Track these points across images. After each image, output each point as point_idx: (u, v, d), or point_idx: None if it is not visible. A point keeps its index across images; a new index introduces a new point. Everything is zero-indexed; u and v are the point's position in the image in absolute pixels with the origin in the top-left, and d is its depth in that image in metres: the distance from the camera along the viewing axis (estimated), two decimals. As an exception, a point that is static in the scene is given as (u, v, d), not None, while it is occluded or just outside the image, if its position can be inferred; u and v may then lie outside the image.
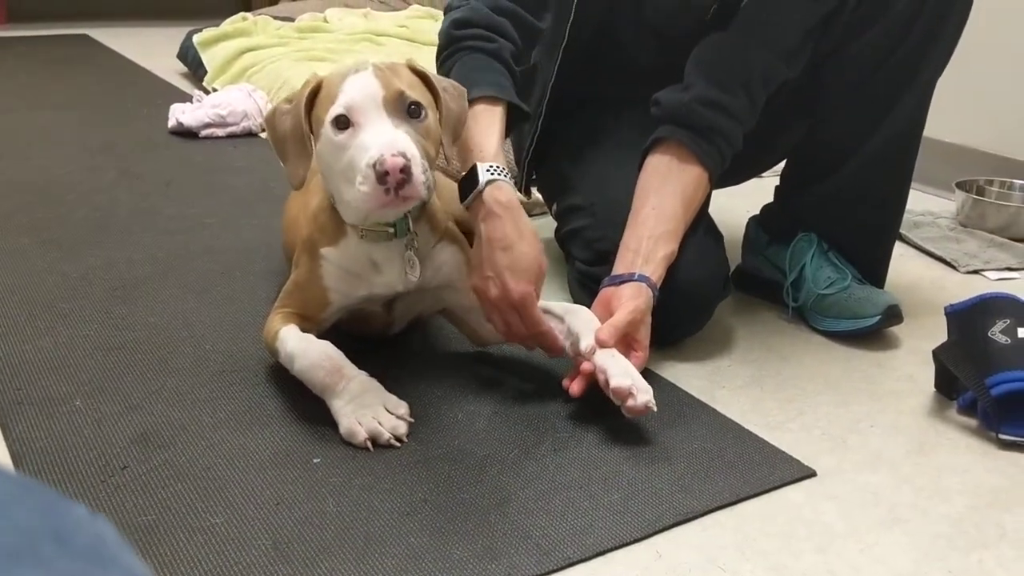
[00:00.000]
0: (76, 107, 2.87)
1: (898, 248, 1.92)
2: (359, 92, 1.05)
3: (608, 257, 1.38)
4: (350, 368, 1.12)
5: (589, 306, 1.43)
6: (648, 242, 1.31)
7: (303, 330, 1.17)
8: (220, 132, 2.55)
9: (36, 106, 2.89)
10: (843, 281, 1.49)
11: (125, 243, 1.72)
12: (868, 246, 1.57)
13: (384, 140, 1.02)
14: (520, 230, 1.20)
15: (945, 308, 1.42)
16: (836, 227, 1.54)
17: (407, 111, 1.07)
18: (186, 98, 2.80)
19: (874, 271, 1.56)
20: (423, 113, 1.08)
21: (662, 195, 1.34)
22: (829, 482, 1.08)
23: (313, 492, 1.01)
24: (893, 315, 1.44)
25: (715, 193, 1.47)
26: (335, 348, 1.14)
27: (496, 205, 1.20)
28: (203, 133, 2.54)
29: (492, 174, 1.21)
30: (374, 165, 1.00)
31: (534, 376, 1.29)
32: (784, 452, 1.13)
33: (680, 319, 1.39)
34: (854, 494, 1.06)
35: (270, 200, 2.05)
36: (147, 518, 0.95)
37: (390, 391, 1.14)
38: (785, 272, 1.56)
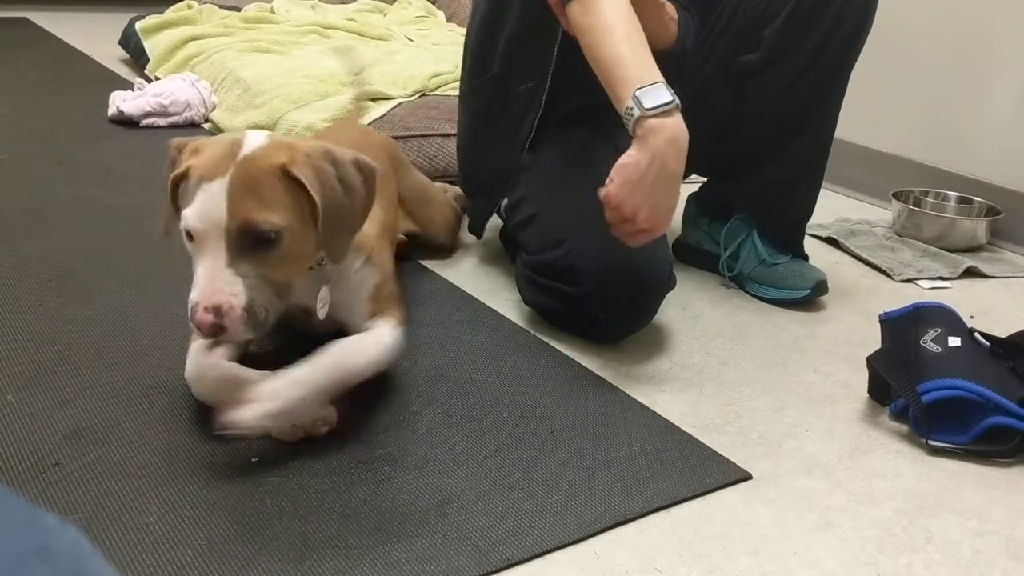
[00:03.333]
0: (12, 92, 2.79)
1: (835, 255, 1.98)
2: (202, 215, 0.97)
3: (559, 245, 1.40)
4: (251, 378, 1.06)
5: (541, 306, 1.47)
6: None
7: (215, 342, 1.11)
8: (162, 122, 2.50)
9: (-30, 89, 2.80)
10: (779, 258, 1.68)
11: (61, 233, 1.68)
12: (790, 227, 1.72)
13: (202, 285, 0.96)
14: (680, 172, 1.24)
15: (880, 316, 1.46)
16: (763, 212, 1.70)
17: (253, 243, 0.98)
18: (127, 86, 2.74)
19: (796, 246, 1.72)
20: (275, 240, 0.99)
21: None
22: (764, 485, 1.10)
23: (251, 492, 1.00)
24: (822, 289, 1.65)
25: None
26: (231, 365, 1.09)
27: (674, 140, 1.22)
28: (144, 122, 2.49)
29: (670, 101, 1.22)
30: (191, 306, 0.97)
31: (476, 378, 1.29)
32: (722, 455, 1.15)
33: (625, 317, 1.40)
34: (788, 498, 1.08)
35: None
36: (79, 516, 0.93)
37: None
38: (721, 245, 1.73)
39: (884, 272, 1.90)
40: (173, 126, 2.51)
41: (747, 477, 1.11)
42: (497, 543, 0.95)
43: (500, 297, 1.58)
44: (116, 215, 1.79)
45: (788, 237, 1.70)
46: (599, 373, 1.33)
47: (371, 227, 1.20)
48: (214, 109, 2.57)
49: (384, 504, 1.00)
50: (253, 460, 1.05)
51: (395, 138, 2.24)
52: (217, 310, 0.96)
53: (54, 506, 0.94)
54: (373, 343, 1.13)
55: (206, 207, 0.97)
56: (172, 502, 0.97)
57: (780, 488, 1.10)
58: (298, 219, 1.01)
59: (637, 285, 1.37)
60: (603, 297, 1.36)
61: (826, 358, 1.47)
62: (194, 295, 0.97)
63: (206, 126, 2.55)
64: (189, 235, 1.00)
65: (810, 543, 1.00)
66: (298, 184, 1.00)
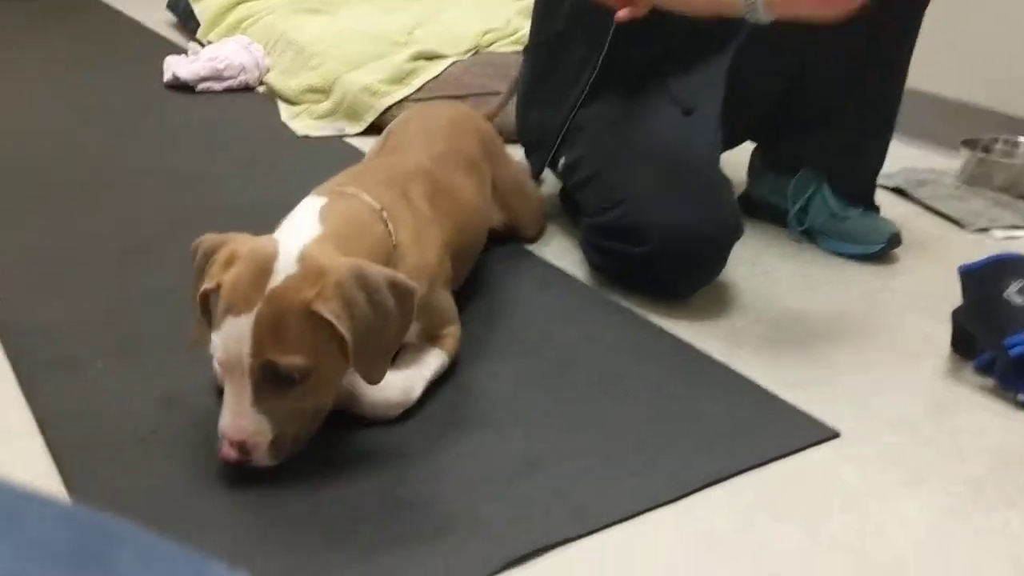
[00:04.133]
0: (66, 61, 2.82)
1: (904, 206, 1.94)
2: (227, 349, 0.93)
3: (618, 205, 1.39)
4: None
5: (606, 269, 1.46)
6: None
7: None
8: (217, 86, 2.51)
9: (23, 61, 2.83)
10: (850, 211, 1.64)
11: (130, 202, 1.70)
12: (861, 179, 1.68)
13: (228, 420, 0.94)
14: None
15: (959, 268, 1.43)
16: (834, 164, 1.65)
17: (279, 381, 0.94)
18: (179, 51, 2.75)
19: (867, 198, 1.68)
20: (298, 379, 0.94)
21: None
22: (852, 443, 1.10)
23: (345, 457, 1.01)
24: (895, 242, 1.62)
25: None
26: None
27: None
28: (199, 87, 2.50)
29: None
30: (220, 434, 0.95)
31: (551, 340, 1.29)
32: (807, 414, 1.14)
33: (692, 273, 1.39)
34: (877, 455, 1.08)
35: (275, 157, 2.03)
36: (180, 483, 0.95)
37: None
38: (789, 200, 1.69)
39: (955, 222, 1.86)
40: (229, 90, 2.52)
41: (834, 435, 1.11)
42: (590, 504, 0.96)
43: (568, 258, 1.57)
44: (184, 183, 1.81)
45: (859, 189, 1.67)
46: (673, 331, 1.33)
47: (429, 253, 1.15)
48: (268, 72, 2.57)
49: (472, 466, 1.00)
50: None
51: (451, 97, 2.23)
52: (242, 446, 0.94)
53: (154, 473, 0.97)
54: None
55: (230, 343, 0.92)
56: (268, 470, 0.98)
57: (868, 445, 1.09)
58: (326, 354, 0.95)
59: (702, 239, 1.36)
60: (668, 255, 1.35)
61: (904, 312, 1.45)
62: (222, 424, 0.95)
63: (261, 89, 2.55)
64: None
65: (902, 500, 1.00)
66: (327, 320, 0.93)
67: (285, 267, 0.94)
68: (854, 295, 1.50)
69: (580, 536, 0.91)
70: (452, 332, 1.18)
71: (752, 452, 1.06)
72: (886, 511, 0.98)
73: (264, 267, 0.94)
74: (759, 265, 1.59)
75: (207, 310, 0.98)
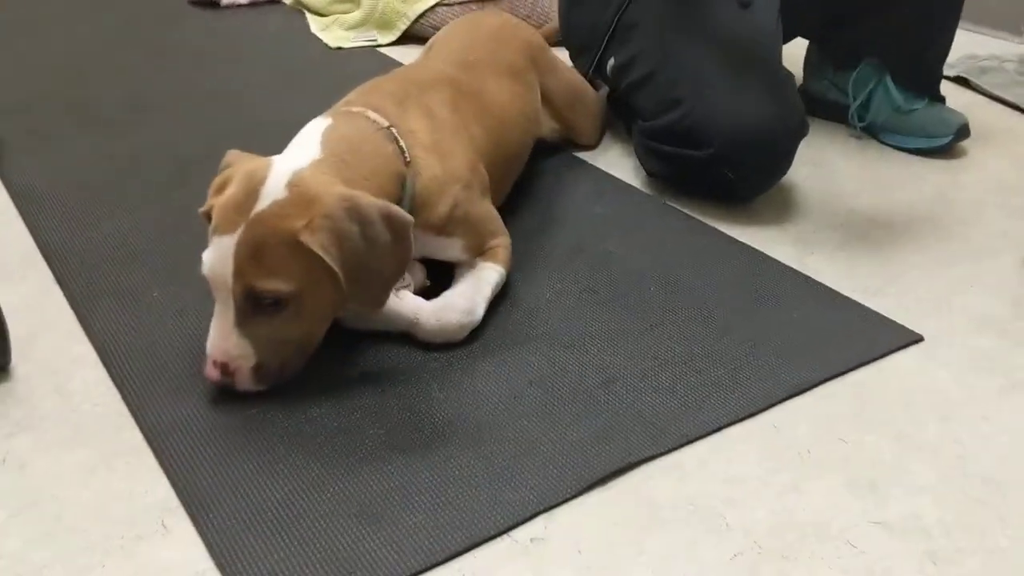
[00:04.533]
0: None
1: (967, 96, 1.85)
2: (212, 269, 0.91)
3: (677, 106, 1.32)
4: None
5: (664, 175, 1.40)
6: None
7: None
8: (242, 0, 2.43)
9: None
10: (915, 103, 1.57)
11: (167, 121, 1.65)
12: (924, 68, 1.60)
13: (212, 340, 0.93)
14: None
15: (1037, 159, 1.36)
16: (897, 54, 1.57)
17: (261, 306, 0.91)
18: (201, -35, 2.65)
19: (932, 89, 1.61)
20: (284, 304, 0.90)
21: None
22: (938, 347, 1.05)
23: (415, 377, 0.98)
24: (964, 133, 1.54)
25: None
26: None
27: None
28: (225, 2, 2.42)
29: None
30: (207, 353, 0.93)
31: (615, 252, 1.24)
32: (887, 318, 1.10)
33: (758, 175, 1.33)
34: (966, 359, 1.03)
35: (308, 71, 1.96)
36: (251, 411, 0.93)
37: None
38: (849, 95, 1.61)
39: (1022, 110, 1.77)
40: (254, 4, 2.44)
41: (919, 339, 1.06)
42: (671, 420, 0.92)
43: (621, 165, 1.51)
44: (219, 102, 1.75)
45: (925, 80, 1.59)
46: (739, 238, 1.28)
47: (455, 162, 1.09)
48: (293, -17, 2.48)
49: (550, 385, 0.97)
50: (411, 345, 1.03)
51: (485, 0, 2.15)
52: (224, 368, 0.92)
53: (224, 402, 0.94)
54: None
55: (216, 264, 0.91)
56: (339, 392, 0.96)
57: (955, 348, 1.05)
58: (313, 284, 0.91)
59: (769, 138, 1.29)
60: (733, 156, 1.29)
61: (978, 208, 1.38)
62: (208, 345, 0.93)
63: (287, 1, 2.47)
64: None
65: (999, 406, 0.96)
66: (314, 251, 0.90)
67: (273, 191, 0.91)
68: (924, 192, 1.43)
69: (661, 454, 0.88)
70: (502, 243, 1.14)
71: (836, 359, 1.02)
72: (985, 418, 0.94)
73: (252, 190, 0.91)
74: (822, 165, 1.52)
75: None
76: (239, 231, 0.90)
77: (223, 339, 0.92)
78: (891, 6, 1.53)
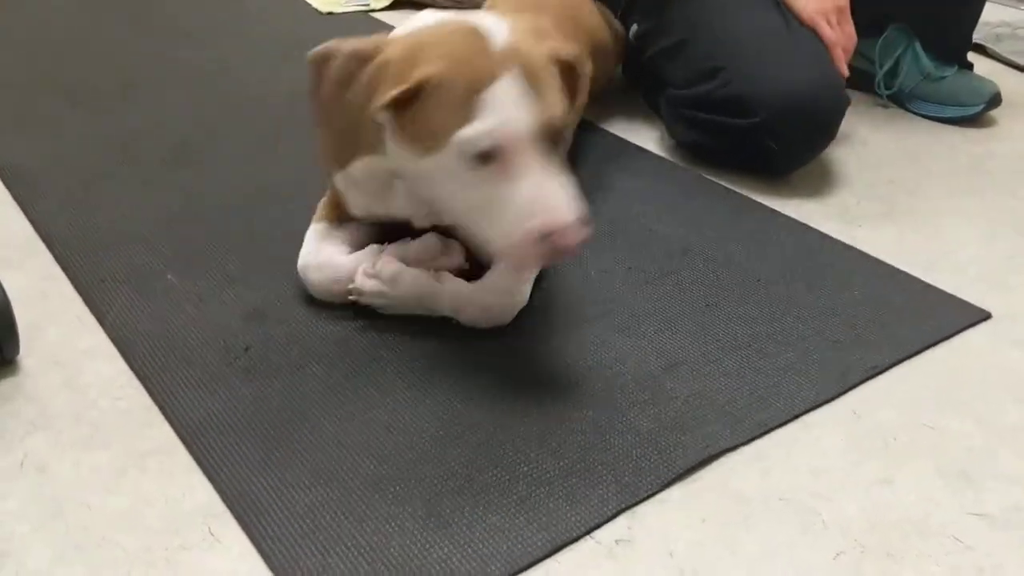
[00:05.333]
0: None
1: (984, 64, 1.81)
2: (507, 124, 0.79)
3: (716, 74, 1.25)
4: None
5: (699, 145, 1.33)
6: None
7: (339, 219, 1.02)
8: (223, -33, 2.31)
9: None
10: (945, 70, 1.52)
11: (159, 100, 1.55)
12: (955, 33, 1.56)
13: (557, 201, 0.79)
14: None
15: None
16: (929, 18, 1.51)
17: (550, 143, 0.82)
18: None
19: (962, 56, 1.56)
20: (559, 136, 0.83)
21: None
22: (1008, 324, 1.00)
23: (466, 366, 0.91)
24: (996, 101, 1.49)
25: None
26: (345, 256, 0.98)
27: None
28: (204, -31, 2.30)
29: None
30: (546, 235, 0.79)
31: (656, 228, 1.18)
32: (951, 294, 1.04)
33: (802, 146, 1.27)
34: (1038, 336, 0.99)
35: (300, 38, 1.85)
36: (295, 405, 0.85)
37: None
38: (875, 62, 1.56)
39: (1044, 80, 1.73)
40: (235, -29, 2.32)
41: (987, 316, 1.01)
42: (746, 407, 0.86)
43: (645, 134, 1.45)
44: (210, 75, 1.65)
45: (954, 46, 1.54)
46: (784, 212, 1.22)
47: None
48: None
49: (612, 371, 0.91)
50: (453, 322, 0.96)
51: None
52: (584, 229, 0.80)
53: (262, 395, 0.86)
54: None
55: (509, 115, 0.79)
56: (385, 384, 0.88)
57: (1024, 326, 1.00)
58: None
59: (814, 106, 1.23)
60: (778, 126, 1.23)
61: (1017, 178, 1.34)
62: (544, 218, 0.78)
63: (269, -31, 2.35)
64: (485, 157, 0.80)
65: (1082, 386, 0.91)
66: (566, 71, 0.86)
67: (498, 31, 0.81)
68: (961, 163, 1.39)
69: (740, 444, 0.83)
70: None
71: (907, 339, 0.96)
72: (1064, 398, 0.90)
73: (476, 35, 0.81)
74: (853, 136, 1.46)
75: (401, 113, 0.82)
76: (513, 70, 0.79)
77: (564, 192, 0.79)
78: None
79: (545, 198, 0.80)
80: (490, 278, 0.97)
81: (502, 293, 0.96)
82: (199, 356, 0.92)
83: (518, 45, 0.81)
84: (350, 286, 0.96)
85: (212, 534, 0.73)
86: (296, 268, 1.00)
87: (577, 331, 0.96)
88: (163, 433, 0.83)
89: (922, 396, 0.89)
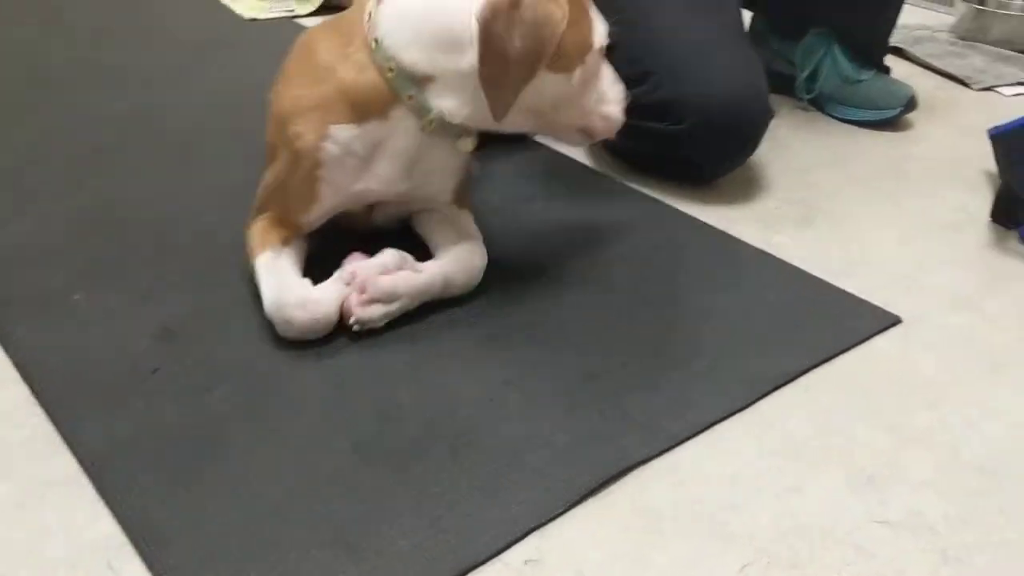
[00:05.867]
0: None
1: (903, 66, 1.85)
2: (604, 33, 0.96)
3: (645, 79, 1.26)
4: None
5: (627, 150, 1.34)
6: None
7: (284, 241, 0.98)
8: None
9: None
10: (863, 73, 1.55)
11: (70, 104, 1.51)
12: (873, 38, 1.58)
13: (618, 95, 1.02)
14: None
15: (989, 131, 1.35)
16: (849, 22, 1.53)
17: None
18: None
19: (880, 60, 1.59)
20: None
21: None
22: (917, 328, 1.02)
23: (380, 382, 0.90)
24: (912, 105, 1.52)
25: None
26: (312, 292, 0.95)
27: None
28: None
29: None
30: (616, 111, 1.01)
31: (577, 236, 1.18)
32: (862, 299, 1.06)
33: (728, 154, 1.28)
34: (947, 339, 1.01)
35: (223, 45, 1.83)
36: (202, 429, 0.84)
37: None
38: (796, 65, 1.58)
39: (960, 81, 1.78)
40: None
41: (897, 321, 1.03)
42: (660, 418, 0.87)
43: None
44: (124, 81, 1.62)
45: (874, 50, 1.56)
46: (704, 219, 1.23)
47: None
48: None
49: (528, 384, 0.90)
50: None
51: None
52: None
53: (168, 420, 0.84)
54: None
55: (600, 18, 0.97)
56: (296, 398, 0.87)
57: (934, 330, 1.02)
58: None
59: (740, 116, 1.24)
60: (703, 133, 1.24)
61: (933, 181, 1.37)
62: (614, 106, 1.01)
63: (193, -30, 2.31)
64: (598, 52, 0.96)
65: (986, 389, 0.93)
66: None
67: None
68: (879, 166, 1.41)
69: (654, 456, 0.83)
70: (470, 206, 1.10)
71: (818, 345, 0.98)
72: (974, 404, 0.91)
73: None
74: (775, 139, 1.48)
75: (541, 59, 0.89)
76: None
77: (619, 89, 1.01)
78: None
79: (612, 89, 1.01)
80: (453, 251, 1.01)
81: (472, 256, 1.02)
82: (105, 379, 0.89)
83: None
84: (352, 320, 0.94)
85: (112, 568, 0.71)
86: (261, 308, 0.94)
87: (494, 343, 0.96)
88: (66, 462, 0.81)
89: (833, 403, 0.91)
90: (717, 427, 0.87)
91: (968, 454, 0.85)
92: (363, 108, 0.93)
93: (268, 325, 0.96)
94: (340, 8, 1.98)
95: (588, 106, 0.99)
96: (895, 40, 1.92)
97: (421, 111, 0.92)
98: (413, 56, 0.90)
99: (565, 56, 0.91)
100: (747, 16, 1.68)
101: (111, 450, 0.81)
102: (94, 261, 1.08)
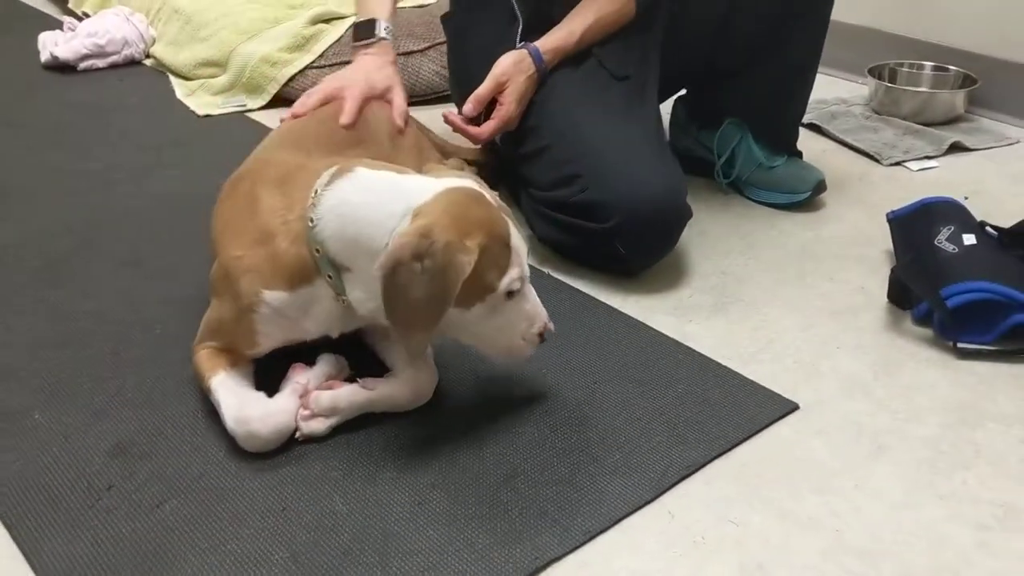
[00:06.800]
0: (-73, 42, 2.60)
1: (820, 142, 1.97)
2: (525, 258, 1.02)
3: (574, 181, 1.37)
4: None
5: (557, 242, 1.44)
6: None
7: (232, 364, 1.07)
8: (101, 63, 2.36)
9: None
10: (776, 160, 1.66)
11: (30, 209, 1.59)
12: (783, 127, 1.70)
13: (543, 310, 1.05)
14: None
15: (887, 215, 1.47)
16: (759, 113, 1.66)
17: None
18: (55, 25, 2.56)
19: (791, 145, 1.71)
20: None
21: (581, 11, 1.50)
22: (812, 415, 1.12)
23: (317, 491, 0.98)
24: (821, 188, 1.66)
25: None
26: (270, 405, 1.04)
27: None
28: (82, 66, 2.35)
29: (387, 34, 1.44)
30: (541, 333, 1.05)
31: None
32: (764, 387, 1.16)
33: (648, 250, 1.39)
34: (837, 425, 1.10)
35: (179, 141, 1.92)
36: (151, 544, 0.91)
37: (363, 375, 1.10)
38: (715, 152, 1.70)
39: (871, 157, 1.90)
40: (113, 66, 2.37)
41: (794, 408, 1.13)
42: (574, 514, 0.96)
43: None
44: (85, 183, 1.70)
45: (784, 137, 1.69)
46: (623, 310, 1.33)
47: None
48: (154, 43, 2.42)
49: (453, 487, 0.99)
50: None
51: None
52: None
53: (121, 536, 0.92)
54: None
55: (521, 241, 1.01)
56: (241, 514, 0.95)
57: (827, 416, 1.12)
58: None
59: (660, 217, 1.36)
60: (626, 232, 1.34)
61: (839, 263, 1.48)
62: (539, 322, 1.04)
63: (148, 62, 2.41)
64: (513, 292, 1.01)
65: (868, 472, 1.03)
66: None
67: (484, 189, 1.04)
68: (790, 249, 1.52)
69: (567, 553, 0.92)
70: None
71: (721, 436, 1.07)
72: (856, 487, 1.01)
73: (480, 198, 1.01)
74: (695, 224, 1.58)
75: (448, 302, 0.96)
76: (510, 219, 1.01)
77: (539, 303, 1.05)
78: (753, 69, 1.62)
79: (537, 307, 1.04)
80: (404, 370, 1.09)
81: (421, 375, 1.09)
82: (64, 498, 0.97)
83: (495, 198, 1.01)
84: (299, 434, 1.03)
85: None
86: (224, 425, 1.03)
87: (421, 447, 1.05)
88: (28, 580, 0.88)
89: (731, 492, 1.00)
90: (625, 521, 0.96)
91: (851, 537, 0.95)
92: (294, 277, 1.01)
93: (216, 437, 1.04)
94: (289, 102, 2.09)
95: (504, 334, 1.03)
96: (812, 117, 2.06)
97: (337, 290, 1.02)
98: (336, 246, 0.99)
99: (463, 293, 0.95)
100: (670, 103, 1.80)
101: (71, 570, 0.88)
102: (52, 379, 1.15)
